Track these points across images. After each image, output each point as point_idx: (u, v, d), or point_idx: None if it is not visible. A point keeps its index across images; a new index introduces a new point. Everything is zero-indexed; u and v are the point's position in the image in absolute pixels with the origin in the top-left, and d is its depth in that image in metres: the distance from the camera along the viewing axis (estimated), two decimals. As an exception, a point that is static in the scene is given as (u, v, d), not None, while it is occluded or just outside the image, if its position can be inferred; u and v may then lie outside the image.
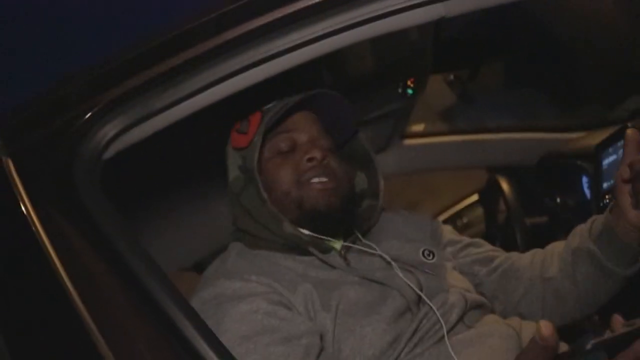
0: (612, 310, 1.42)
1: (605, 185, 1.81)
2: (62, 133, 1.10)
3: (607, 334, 0.91)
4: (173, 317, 0.95)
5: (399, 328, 1.17)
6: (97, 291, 1.01)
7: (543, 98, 2.56)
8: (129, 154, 1.14)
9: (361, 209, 1.43)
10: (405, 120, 2.47)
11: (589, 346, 0.88)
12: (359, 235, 1.34)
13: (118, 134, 1.11)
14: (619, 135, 1.77)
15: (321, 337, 1.15)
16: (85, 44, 1.36)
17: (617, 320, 0.94)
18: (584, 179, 2.07)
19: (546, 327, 0.87)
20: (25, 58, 1.40)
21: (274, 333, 1.11)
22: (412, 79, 2.16)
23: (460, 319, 1.22)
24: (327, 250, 1.29)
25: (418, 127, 2.59)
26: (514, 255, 1.45)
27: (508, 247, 2.38)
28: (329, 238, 1.30)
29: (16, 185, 1.09)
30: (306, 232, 1.27)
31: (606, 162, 1.83)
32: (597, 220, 1.27)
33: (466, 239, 1.50)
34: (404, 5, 1.11)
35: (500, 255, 1.45)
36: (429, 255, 1.35)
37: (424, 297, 1.22)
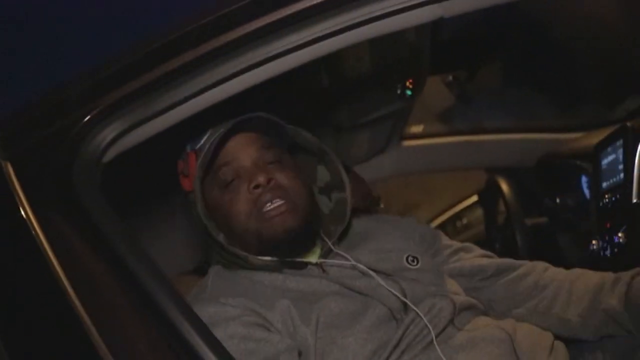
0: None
1: (604, 184, 1.82)
2: (62, 136, 1.10)
3: None
4: (173, 319, 0.95)
5: (385, 336, 1.17)
6: (97, 294, 1.01)
7: (542, 98, 2.56)
8: (129, 156, 1.13)
9: (332, 204, 1.41)
10: (404, 122, 2.47)
11: None
12: (331, 246, 1.32)
13: (117, 136, 1.10)
14: (618, 134, 1.78)
15: (301, 353, 1.14)
16: (84, 47, 1.36)
17: None
18: (583, 179, 2.07)
19: None
20: (25, 61, 1.40)
21: (251, 356, 1.11)
22: (410, 80, 2.16)
23: (450, 322, 1.21)
24: (303, 266, 1.28)
25: (417, 129, 2.60)
26: (510, 262, 1.43)
27: (508, 247, 2.40)
28: (300, 258, 1.29)
29: (15, 188, 1.09)
30: (274, 258, 1.26)
31: (605, 161, 1.83)
32: (637, 286, 1.24)
33: (457, 244, 1.48)
34: (402, 6, 1.10)
35: (494, 262, 1.43)
36: (412, 261, 1.33)
37: (408, 303, 1.20)
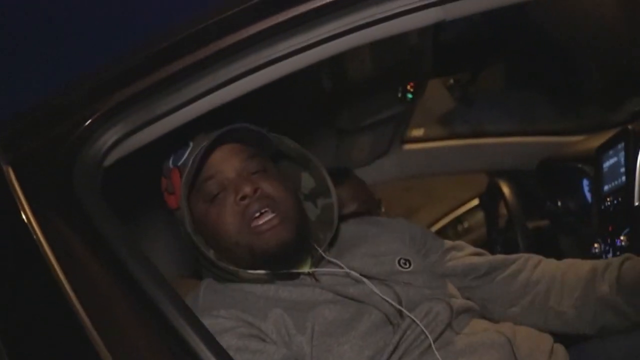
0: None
1: (606, 187, 1.81)
2: (63, 140, 1.10)
3: None
4: (173, 321, 0.94)
5: (381, 341, 1.16)
6: (98, 297, 1.01)
7: (543, 101, 2.56)
8: (130, 160, 1.13)
9: (318, 210, 1.40)
10: (405, 125, 2.47)
11: None
12: (323, 254, 1.30)
13: (118, 140, 1.10)
14: (620, 137, 1.77)
15: None
16: (85, 50, 1.36)
17: None
18: (585, 182, 2.07)
19: None
20: (26, 64, 1.40)
21: None
22: (411, 84, 2.16)
23: (448, 325, 1.20)
24: (295, 276, 1.27)
25: (418, 132, 2.60)
26: (502, 259, 1.42)
27: (509, 251, 2.39)
28: (292, 269, 1.27)
29: (17, 192, 1.09)
30: (264, 272, 1.25)
31: (607, 164, 1.83)
32: (628, 269, 1.24)
33: (448, 243, 1.47)
34: (403, 8, 1.10)
35: (486, 260, 1.42)
36: (405, 263, 1.32)
37: (404, 310, 1.19)
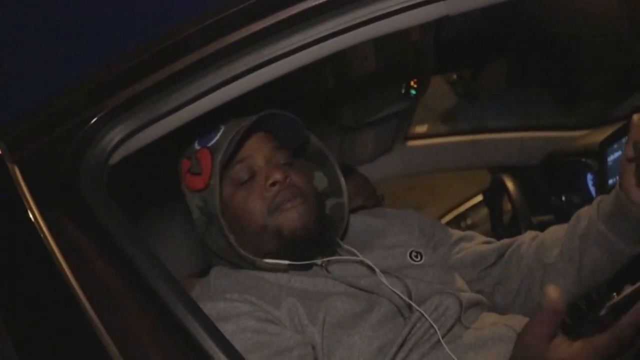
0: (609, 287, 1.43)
1: (610, 181, 1.81)
2: (68, 139, 1.10)
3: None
4: (182, 318, 0.95)
5: (390, 333, 1.16)
6: (106, 295, 1.01)
7: (546, 96, 2.56)
8: (135, 158, 1.14)
9: (326, 210, 1.41)
10: (409, 122, 2.47)
11: (603, 311, 0.90)
12: (340, 242, 1.32)
13: (124, 139, 1.11)
14: (624, 131, 1.77)
15: (314, 348, 1.14)
16: (89, 50, 1.36)
17: None
18: (589, 176, 2.06)
19: (554, 291, 0.88)
20: (31, 64, 1.40)
21: (264, 349, 1.10)
22: (414, 80, 2.16)
23: (457, 320, 1.21)
24: (308, 266, 1.28)
25: (421, 129, 2.59)
26: (509, 243, 1.42)
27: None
28: (307, 261, 1.27)
29: (23, 191, 1.09)
30: (284, 262, 1.25)
31: (611, 158, 1.83)
32: (604, 202, 1.24)
33: (457, 234, 1.47)
34: (407, 4, 1.10)
35: (494, 247, 1.42)
36: (416, 256, 1.33)
37: (413, 305, 1.20)
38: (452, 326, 1.19)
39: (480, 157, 2.65)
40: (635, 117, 1.15)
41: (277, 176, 1.24)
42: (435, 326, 1.16)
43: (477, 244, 1.44)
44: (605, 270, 1.27)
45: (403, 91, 2.18)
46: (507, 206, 2.54)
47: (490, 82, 2.50)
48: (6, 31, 1.38)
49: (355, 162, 2.41)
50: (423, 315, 1.18)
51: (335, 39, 1.12)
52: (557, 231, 1.35)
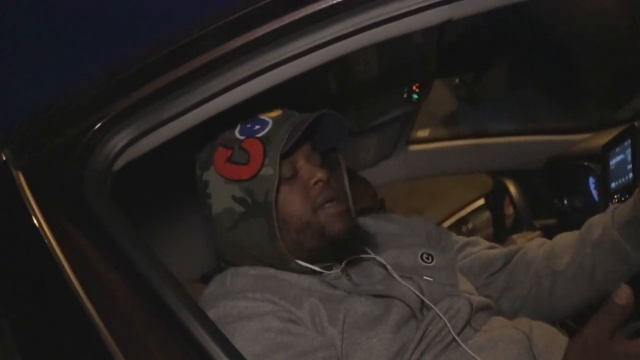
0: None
1: (613, 185, 1.81)
2: (72, 145, 1.10)
3: None
4: (189, 325, 0.95)
5: (405, 337, 1.16)
6: (111, 301, 1.01)
7: (548, 100, 2.56)
8: (139, 164, 1.14)
9: None
10: (411, 126, 2.47)
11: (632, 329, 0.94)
12: (370, 252, 1.32)
13: (128, 144, 1.11)
14: (626, 134, 1.77)
15: (335, 349, 1.14)
16: (93, 55, 1.36)
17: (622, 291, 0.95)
18: (591, 180, 2.07)
19: (626, 289, 0.89)
20: (34, 70, 1.40)
21: (288, 350, 1.09)
22: (417, 84, 2.16)
23: (467, 322, 1.21)
24: (328, 270, 1.27)
25: (423, 133, 2.60)
26: (516, 249, 1.42)
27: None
28: (333, 263, 1.27)
29: (27, 197, 1.09)
30: (316, 267, 1.24)
31: (613, 162, 1.83)
32: (620, 210, 1.25)
33: (462, 239, 1.47)
34: (410, 8, 1.10)
35: (501, 253, 1.42)
36: (427, 258, 1.33)
37: (428, 302, 1.20)
38: (463, 328, 1.19)
39: (482, 161, 2.65)
40: None
41: (321, 175, 1.24)
42: (449, 325, 1.17)
43: (483, 249, 1.44)
44: (617, 278, 1.27)
45: (405, 95, 2.19)
46: (510, 210, 2.55)
47: (492, 85, 2.50)
48: (10, 36, 1.38)
49: (358, 167, 2.41)
50: (438, 314, 1.18)
51: (338, 44, 1.12)
52: (566, 238, 1.35)
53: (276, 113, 1.29)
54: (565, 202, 2.19)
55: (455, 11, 1.12)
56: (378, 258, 1.29)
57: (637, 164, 1.68)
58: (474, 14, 1.14)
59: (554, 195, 2.25)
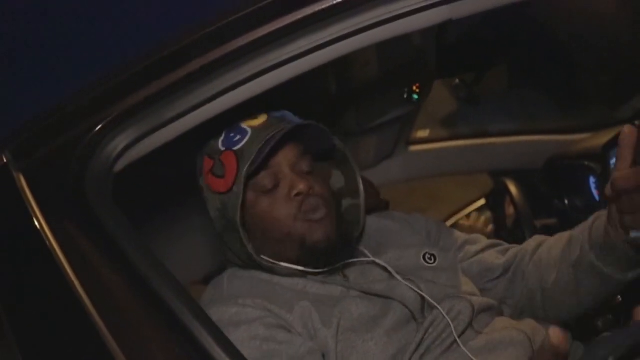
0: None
1: (614, 184, 1.81)
2: (73, 147, 1.10)
3: None
4: (190, 326, 0.94)
5: (403, 339, 1.16)
6: (113, 303, 1.01)
7: (548, 100, 2.56)
8: (140, 166, 1.14)
9: (342, 210, 1.40)
10: (411, 126, 2.47)
11: None
12: (367, 253, 1.31)
13: (129, 146, 1.11)
14: (627, 134, 1.77)
15: (323, 356, 1.14)
16: (92, 57, 1.36)
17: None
18: (592, 180, 2.06)
19: (556, 335, 0.87)
20: (35, 72, 1.40)
21: (274, 357, 1.10)
22: (417, 84, 2.16)
23: (469, 324, 1.21)
24: (324, 271, 1.27)
25: (423, 133, 2.60)
26: (514, 255, 1.39)
27: (518, 250, 2.38)
28: (324, 268, 1.27)
29: (29, 199, 1.09)
30: (300, 268, 1.25)
31: (614, 161, 1.82)
32: (596, 229, 1.21)
33: (462, 237, 1.46)
34: (410, 9, 1.10)
35: (500, 262, 1.39)
36: (430, 259, 1.33)
37: (432, 301, 1.20)
38: (464, 330, 1.19)
39: (483, 161, 2.65)
40: (626, 130, 1.08)
41: (302, 187, 1.23)
42: (452, 325, 1.16)
43: (483, 247, 1.43)
44: (602, 294, 1.26)
45: (405, 96, 2.18)
46: (510, 210, 2.54)
47: (492, 85, 2.50)
48: (11, 39, 1.39)
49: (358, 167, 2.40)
50: (442, 313, 1.18)
51: (339, 44, 1.13)
52: (555, 247, 1.31)
53: (260, 120, 1.28)
54: (566, 202, 2.18)
55: (455, 11, 1.12)
56: (378, 261, 1.28)
57: (638, 163, 1.67)
58: (474, 14, 1.14)
59: (555, 195, 2.25)
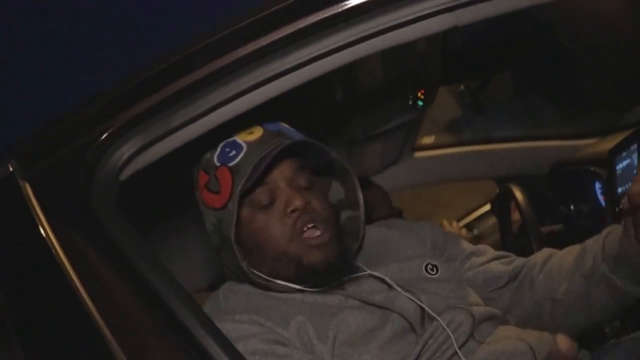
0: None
1: (620, 190, 1.80)
2: (79, 156, 1.10)
3: None
4: (196, 334, 0.94)
5: (402, 351, 1.15)
6: (118, 310, 1.01)
7: (553, 106, 2.56)
8: (146, 174, 1.14)
9: (341, 222, 1.37)
10: (416, 133, 2.47)
11: None
12: (365, 269, 1.29)
13: (134, 154, 1.11)
14: (633, 139, 1.77)
15: None
16: (98, 67, 1.37)
17: None
18: (598, 185, 2.06)
19: (563, 343, 0.86)
20: (40, 82, 1.41)
21: None
22: (422, 91, 2.16)
23: (470, 335, 1.19)
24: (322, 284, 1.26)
25: (428, 140, 2.60)
26: (522, 264, 1.38)
27: (523, 256, 2.38)
28: (321, 287, 1.25)
29: (35, 208, 1.09)
30: (296, 286, 1.24)
31: (620, 166, 1.82)
32: (610, 240, 1.20)
33: (469, 247, 1.44)
34: (415, 16, 1.10)
35: (506, 270, 1.38)
36: (432, 269, 1.31)
37: (431, 313, 1.18)
38: (466, 341, 1.18)
39: (488, 167, 2.65)
40: None
41: (298, 203, 1.22)
42: (452, 337, 1.15)
43: (489, 259, 1.41)
44: (613, 307, 1.25)
45: (410, 102, 2.19)
46: (516, 216, 2.53)
47: (497, 92, 2.50)
48: (17, 49, 1.39)
49: (363, 174, 2.41)
50: (442, 325, 1.17)
51: (343, 52, 1.12)
52: (566, 258, 1.30)
53: (256, 135, 1.26)
54: (572, 207, 2.18)
55: (460, 18, 1.12)
56: (376, 274, 1.26)
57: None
58: (479, 21, 1.14)
59: (560, 201, 2.24)
